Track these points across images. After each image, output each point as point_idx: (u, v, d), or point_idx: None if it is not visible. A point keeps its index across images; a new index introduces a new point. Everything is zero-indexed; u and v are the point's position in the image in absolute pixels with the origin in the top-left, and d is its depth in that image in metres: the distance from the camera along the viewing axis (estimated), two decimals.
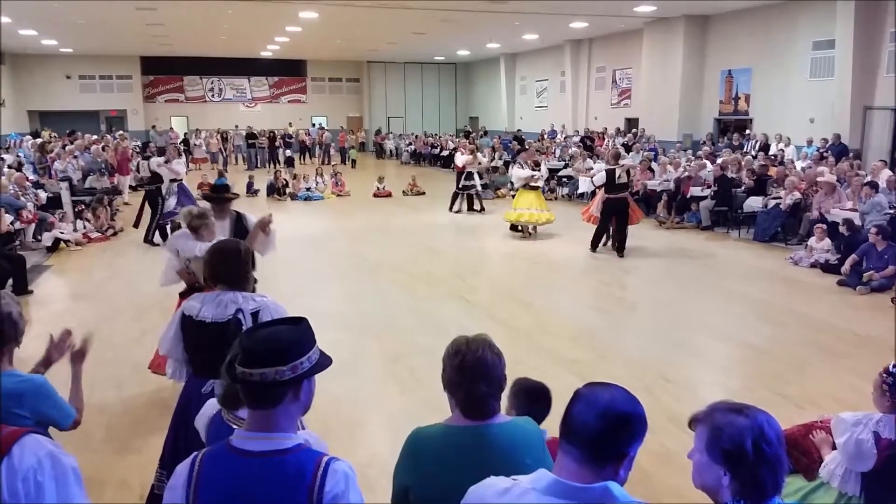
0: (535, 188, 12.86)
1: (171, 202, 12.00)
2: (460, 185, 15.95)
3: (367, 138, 34.90)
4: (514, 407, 3.04)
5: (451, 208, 15.95)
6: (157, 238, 12.08)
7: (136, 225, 13.02)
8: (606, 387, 1.65)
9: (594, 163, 17.27)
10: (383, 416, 5.23)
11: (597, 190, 12.07)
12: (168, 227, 11.86)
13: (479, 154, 16.68)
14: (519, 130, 27.50)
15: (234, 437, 1.80)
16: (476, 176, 15.98)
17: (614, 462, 1.58)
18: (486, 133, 28.52)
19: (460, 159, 16.16)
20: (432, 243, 12.59)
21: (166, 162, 12.27)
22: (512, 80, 32.54)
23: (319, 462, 1.75)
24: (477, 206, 16.07)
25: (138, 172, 12.43)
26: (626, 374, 6.09)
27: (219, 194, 5.76)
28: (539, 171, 13.04)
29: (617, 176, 11.14)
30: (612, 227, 11.44)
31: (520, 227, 12.96)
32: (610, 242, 11.55)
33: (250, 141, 27.81)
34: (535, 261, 11.02)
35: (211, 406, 2.44)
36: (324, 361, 1.89)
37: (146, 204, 12.58)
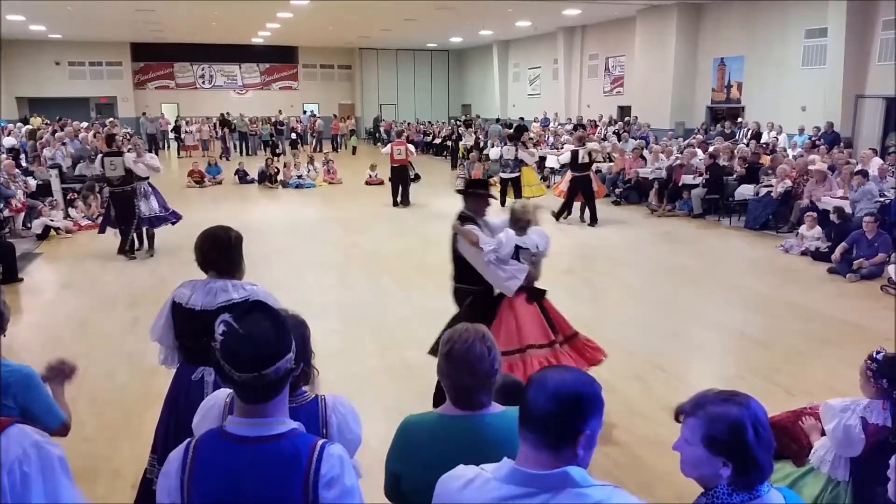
0: (526, 166, 14.38)
1: (153, 204, 10.33)
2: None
3: (357, 126, 34.72)
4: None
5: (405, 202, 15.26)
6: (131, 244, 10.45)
7: (101, 230, 10.68)
8: (558, 370, 1.66)
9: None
10: (376, 406, 5.24)
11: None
12: (149, 232, 10.47)
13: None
14: (521, 119, 27.48)
15: (227, 423, 1.79)
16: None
17: (570, 442, 1.56)
18: (488, 121, 28.52)
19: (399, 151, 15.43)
20: (426, 232, 12.57)
21: (138, 157, 10.30)
22: (505, 67, 32.44)
23: (314, 446, 1.75)
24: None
25: (102, 168, 10.23)
26: (619, 363, 6.11)
27: (476, 189, 5.26)
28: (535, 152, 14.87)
29: (581, 156, 12.73)
30: (581, 202, 13.03)
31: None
32: (581, 215, 13.13)
33: (223, 128, 27.73)
34: None
35: (222, 393, 2.36)
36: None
37: (113, 208, 10.30)
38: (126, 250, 10.30)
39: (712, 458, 1.67)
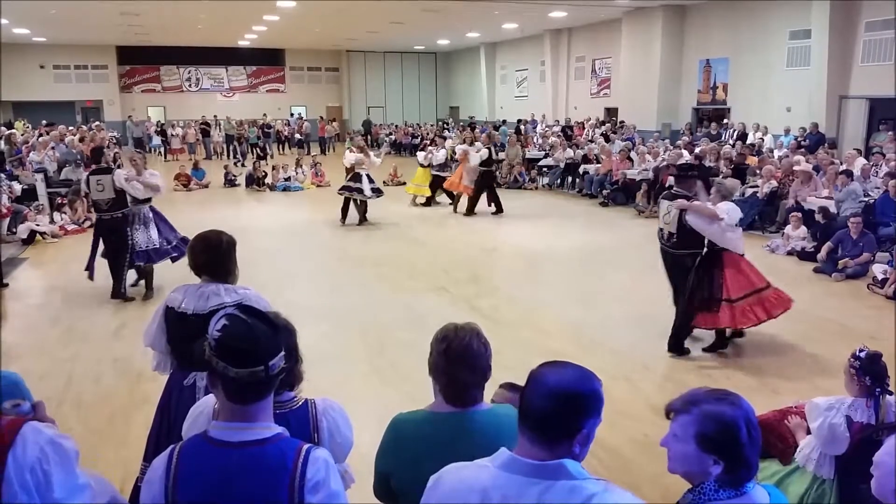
0: (425, 167, 15.29)
1: (153, 234, 8.19)
2: (342, 188, 13.16)
3: (344, 128, 34.66)
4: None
5: (342, 220, 13.22)
6: (129, 283, 8.46)
7: (89, 273, 8.35)
8: (557, 366, 1.65)
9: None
10: (365, 408, 5.22)
11: (461, 164, 14.56)
12: (143, 267, 8.25)
13: (371, 154, 13.41)
14: (503, 121, 27.48)
15: (211, 429, 1.79)
16: (366, 179, 12.91)
17: (566, 440, 1.58)
18: (489, 123, 28.62)
19: (348, 158, 13.27)
20: (414, 235, 12.58)
21: (137, 173, 8.15)
22: (492, 69, 32.51)
23: (300, 450, 1.75)
24: (369, 216, 13.39)
25: (87, 190, 8.37)
26: (607, 363, 6.15)
27: (688, 171, 6.39)
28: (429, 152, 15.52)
29: (491, 154, 14.38)
30: (486, 194, 14.28)
31: (416, 199, 15.60)
32: (491, 207, 14.33)
33: (203, 128, 27.65)
34: (518, 252, 11.05)
35: (211, 399, 2.35)
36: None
37: (102, 241, 8.24)
38: (121, 293, 8.18)
39: (703, 455, 1.69)
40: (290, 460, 1.73)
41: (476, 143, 14.61)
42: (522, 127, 25.45)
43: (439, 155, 15.18)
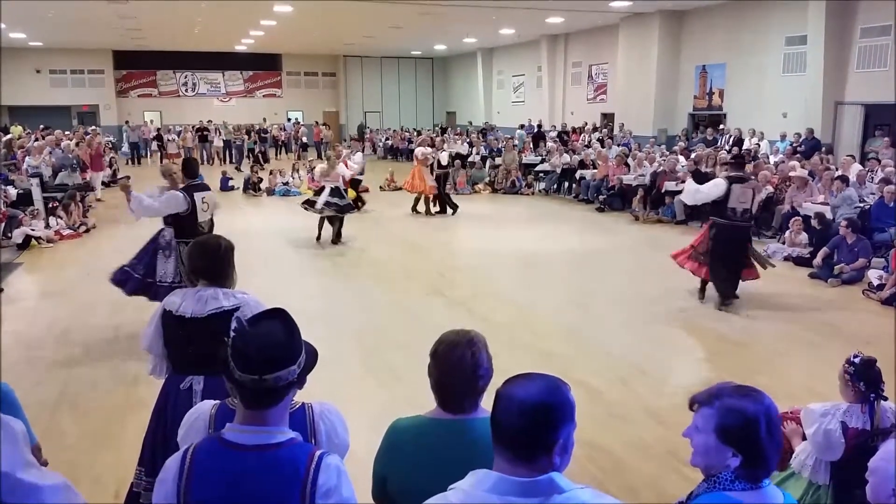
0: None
1: (170, 266, 6.82)
2: (321, 206, 11.62)
3: (341, 133, 34.66)
4: None
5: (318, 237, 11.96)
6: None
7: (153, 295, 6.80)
8: (523, 380, 1.61)
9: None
10: (362, 412, 5.22)
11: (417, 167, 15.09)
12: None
13: (318, 165, 12.88)
14: (524, 124, 27.28)
15: (226, 431, 1.80)
16: (326, 192, 11.68)
17: (544, 454, 1.55)
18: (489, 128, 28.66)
19: (346, 171, 12.31)
20: (410, 239, 12.58)
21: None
22: (489, 74, 32.55)
23: (312, 456, 1.76)
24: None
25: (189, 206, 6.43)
26: (602, 367, 6.15)
27: (739, 160, 8.56)
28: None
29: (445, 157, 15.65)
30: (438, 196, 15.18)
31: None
32: (435, 208, 15.17)
33: (202, 133, 27.63)
34: (514, 256, 11.06)
35: (207, 405, 2.33)
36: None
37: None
38: None
39: (722, 447, 1.72)
40: (302, 465, 1.74)
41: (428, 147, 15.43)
42: (521, 131, 25.45)
43: (356, 158, 15.21)
